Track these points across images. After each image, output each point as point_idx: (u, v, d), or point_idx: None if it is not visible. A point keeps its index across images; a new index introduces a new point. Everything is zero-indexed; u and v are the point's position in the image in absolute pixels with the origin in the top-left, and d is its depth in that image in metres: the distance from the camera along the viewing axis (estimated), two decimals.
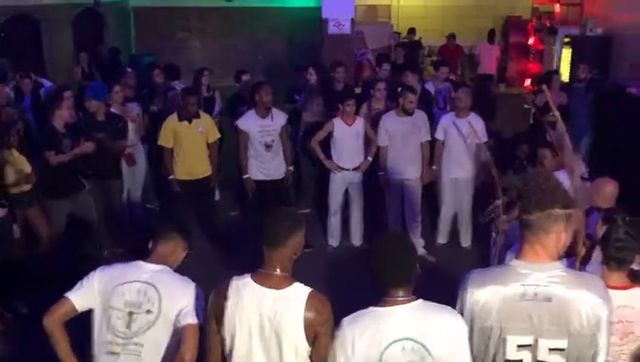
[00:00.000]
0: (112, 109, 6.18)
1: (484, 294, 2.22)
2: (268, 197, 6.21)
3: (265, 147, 6.02)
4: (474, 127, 5.77)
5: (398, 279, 2.29)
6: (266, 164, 6.10)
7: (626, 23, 9.25)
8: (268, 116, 5.96)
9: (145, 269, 2.85)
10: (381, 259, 2.33)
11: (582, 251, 3.08)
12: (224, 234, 6.44)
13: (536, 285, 2.16)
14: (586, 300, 2.15)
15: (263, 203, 6.22)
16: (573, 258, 2.97)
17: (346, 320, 2.34)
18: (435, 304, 2.31)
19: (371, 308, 2.31)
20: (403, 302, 2.27)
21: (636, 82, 7.77)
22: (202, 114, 6.05)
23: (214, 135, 6.11)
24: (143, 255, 2.95)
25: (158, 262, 2.90)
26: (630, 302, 2.71)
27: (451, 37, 12.07)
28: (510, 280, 2.20)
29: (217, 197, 7.03)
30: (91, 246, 5.75)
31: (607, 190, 4.21)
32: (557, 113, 3.86)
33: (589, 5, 10.58)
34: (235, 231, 6.67)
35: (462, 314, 2.29)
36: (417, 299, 2.30)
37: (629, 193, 4.34)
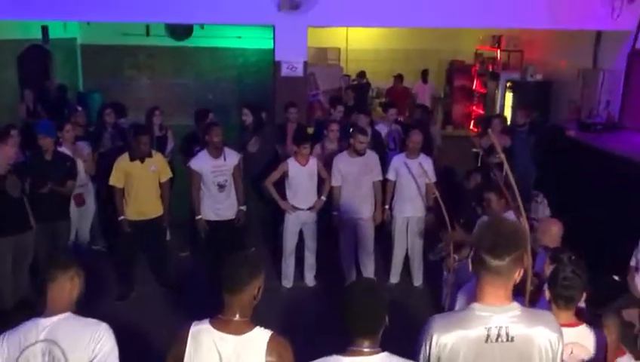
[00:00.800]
0: (63, 148, 6.06)
1: (450, 339, 2.26)
2: (220, 238, 6.16)
3: (218, 187, 5.99)
4: (424, 167, 5.94)
5: (365, 330, 2.28)
6: (219, 204, 6.06)
7: (563, 69, 9.77)
8: (220, 156, 5.96)
9: (43, 325, 2.60)
10: (351, 307, 2.30)
11: (530, 290, 3.17)
12: (175, 275, 6.32)
13: (499, 326, 2.23)
14: (545, 336, 2.25)
15: (215, 244, 6.15)
16: (522, 297, 3.06)
17: None
18: (399, 358, 2.31)
19: (335, 357, 2.29)
20: (368, 354, 2.26)
21: (574, 124, 8.18)
22: (154, 153, 5.99)
23: (167, 174, 6.04)
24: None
25: (54, 311, 2.64)
26: (579, 339, 2.80)
27: (398, 78, 12.42)
28: (474, 323, 2.25)
29: (168, 237, 6.91)
30: (29, 290, 5.49)
31: (553, 230, 4.38)
32: (502, 155, 4.03)
33: (529, 52, 11.13)
34: (186, 272, 6.56)
35: (428, 360, 2.32)
36: (382, 351, 2.29)
37: (572, 232, 4.51)
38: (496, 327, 2.23)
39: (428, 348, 2.31)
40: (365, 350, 2.26)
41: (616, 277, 4.44)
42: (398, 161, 6.20)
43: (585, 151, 7.22)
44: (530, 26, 8.76)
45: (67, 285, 2.70)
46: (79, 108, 7.29)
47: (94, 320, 2.66)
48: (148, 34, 14.17)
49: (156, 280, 6.27)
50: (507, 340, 2.23)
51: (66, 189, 5.84)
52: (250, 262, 2.57)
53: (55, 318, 2.62)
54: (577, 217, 5.65)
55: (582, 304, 3.51)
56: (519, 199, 3.61)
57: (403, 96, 11.92)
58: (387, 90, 12.63)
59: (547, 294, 3.01)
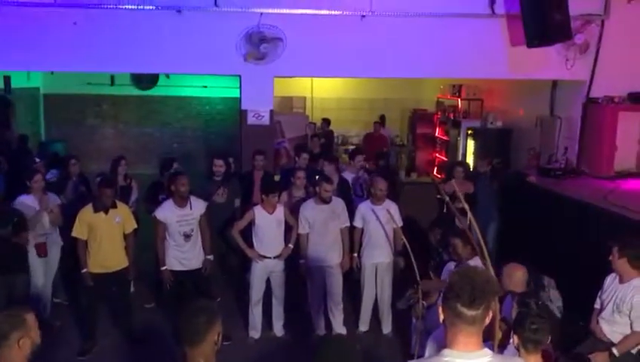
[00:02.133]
0: (32, 198, 5.95)
1: None
2: (186, 289, 6.06)
3: (184, 237, 5.92)
4: (391, 212, 6.00)
5: None
6: (185, 254, 5.99)
7: (522, 117, 10.09)
8: (186, 205, 5.91)
9: None
10: None
11: (499, 335, 3.19)
12: (140, 327, 6.16)
13: None
14: None
15: (181, 294, 6.04)
16: (490, 342, 3.08)
17: None
18: None
19: None
20: None
21: (534, 170, 8.40)
22: (119, 204, 5.91)
23: (131, 225, 5.95)
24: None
25: None
26: None
27: (378, 124, 12.59)
28: None
29: (132, 288, 6.75)
30: None
31: (518, 275, 4.44)
32: (464, 203, 4.11)
33: (489, 101, 11.47)
34: (151, 324, 6.40)
35: None
36: None
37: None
38: None
39: None
40: None
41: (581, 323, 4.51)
42: (364, 207, 6.25)
43: (545, 196, 7.41)
44: (489, 76, 9.07)
45: (22, 341, 2.58)
46: (37, 160, 7.15)
47: None
48: (112, 83, 14.18)
49: (120, 332, 6.09)
50: None
51: (20, 239, 5.70)
52: (205, 311, 2.55)
53: None
54: (541, 260, 5.75)
55: (547, 346, 3.56)
56: (483, 245, 3.67)
57: (380, 142, 12.08)
58: (365, 136, 12.79)
59: (515, 339, 3.04)
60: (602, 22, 8.23)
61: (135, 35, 7.68)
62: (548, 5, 7.15)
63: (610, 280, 4.59)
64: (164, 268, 5.94)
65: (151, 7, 7.60)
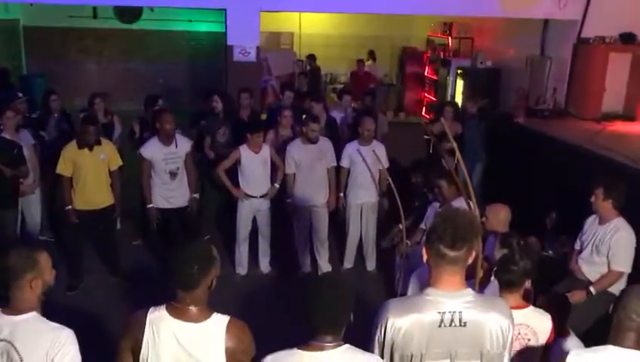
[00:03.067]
0: (6, 136, 5.84)
1: (405, 323, 2.31)
2: (173, 226, 6.08)
3: (170, 175, 5.90)
4: (377, 153, 5.99)
5: (328, 325, 2.28)
6: (171, 192, 5.98)
7: (512, 57, 9.98)
8: (172, 143, 5.85)
9: (5, 322, 2.45)
10: (315, 303, 2.28)
11: (480, 274, 3.25)
12: (127, 265, 6.22)
13: (452, 311, 2.29)
14: (497, 321, 2.33)
15: (167, 232, 6.07)
16: (472, 280, 3.14)
17: (267, 360, 2.32)
18: (360, 351, 2.32)
19: (295, 351, 2.28)
20: (330, 348, 2.26)
21: (522, 111, 8.37)
22: (104, 141, 5.83)
23: (116, 163, 5.89)
24: None
25: (19, 310, 2.47)
26: (526, 320, 2.89)
27: (360, 62, 12.45)
28: (427, 308, 2.30)
29: (119, 226, 6.77)
30: None
31: (502, 214, 4.49)
32: (454, 143, 4.10)
33: (479, 40, 11.30)
34: (138, 261, 6.45)
35: (382, 343, 2.36)
36: (344, 344, 2.30)
37: (519, 216, 4.63)
38: (449, 312, 2.29)
39: (383, 331, 2.35)
40: (327, 344, 2.26)
41: (550, 252, 4.59)
42: (351, 148, 6.23)
43: (532, 137, 7.42)
44: (479, 13, 8.89)
45: (35, 281, 2.50)
46: (20, 95, 6.97)
47: (58, 326, 2.49)
48: (95, 16, 13.74)
49: (107, 269, 6.14)
50: (460, 325, 2.29)
51: (20, 172, 5.65)
52: (201, 256, 2.49)
53: (18, 318, 2.46)
54: (525, 201, 5.82)
55: (528, 285, 3.64)
56: (470, 185, 3.69)
57: (366, 79, 11.94)
58: (350, 73, 12.64)
59: (495, 278, 3.09)
60: None
61: None
62: None
63: (591, 221, 4.66)
64: (150, 205, 5.94)
65: None
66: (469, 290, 2.35)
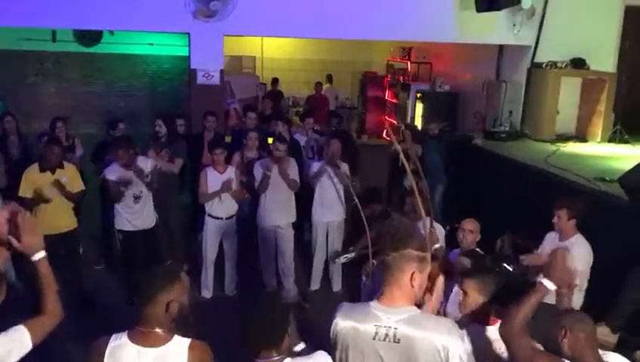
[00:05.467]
0: None
1: (345, 326, 2.41)
2: (137, 250, 6.01)
3: (133, 198, 5.86)
4: (342, 169, 6.12)
5: (268, 343, 2.36)
6: (135, 215, 5.92)
7: (469, 81, 10.29)
8: (132, 167, 5.81)
9: None
10: (251, 325, 2.38)
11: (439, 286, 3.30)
12: (90, 291, 6.10)
13: (388, 327, 2.32)
14: (434, 341, 2.29)
15: (131, 255, 5.99)
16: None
17: None
18: (303, 357, 2.40)
19: None
20: None
21: (479, 133, 8.63)
22: (66, 164, 5.77)
23: (78, 186, 5.83)
24: None
25: None
26: (498, 335, 2.94)
27: (319, 85, 12.64)
28: (367, 319, 2.36)
29: (81, 250, 6.66)
30: None
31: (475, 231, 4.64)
32: (418, 164, 4.22)
33: (437, 64, 11.63)
34: (101, 286, 6.35)
35: (333, 344, 2.46)
36: (285, 357, 2.36)
37: (481, 234, 4.76)
38: (385, 327, 2.32)
39: (332, 331, 2.46)
40: (274, 359, 2.34)
41: (509, 267, 4.71)
42: (317, 166, 6.31)
43: (489, 158, 7.64)
44: (437, 39, 9.19)
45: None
46: None
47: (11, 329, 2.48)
48: (54, 39, 13.59)
49: (70, 294, 6.01)
50: (394, 341, 2.31)
51: None
52: (164, 272, 2.56)
53: None
54: (484, 220, 5.97)
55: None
56: (430, 205, 3.80)
57: (322, 103, 12.12)
58: (307, 97, 12.81)
59: (466, 298, 3.14)
60: None
61: None
62: None
63: (552, 238, 4.80)
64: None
65: None
66: (412, 308, 2.36)
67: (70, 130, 7.28)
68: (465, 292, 3.08)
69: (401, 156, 3.32)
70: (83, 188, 5.88)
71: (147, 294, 2.44)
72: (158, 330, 2.44)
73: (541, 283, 2.78)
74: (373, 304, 2.38)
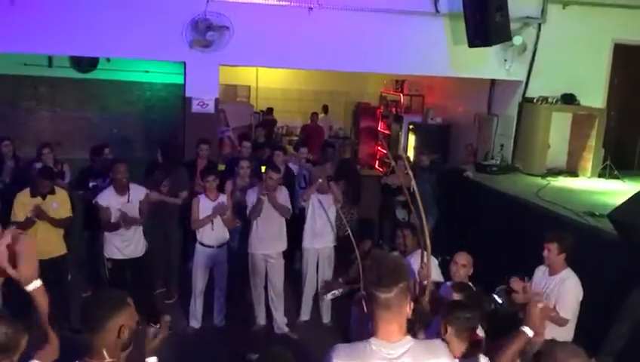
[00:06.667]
0: None
1: None
2: (126, 278, 5.97)
3: (123, 220, 5.83)
4: (334, 191, 6.19)
5: None
6: (125, 242, 5.89)
7: (461, 114, 10.40)
8: (126, 193, 5.82)
9: None
10: None
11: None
12: (77, 318, 6.01)
13: (392, 360, 2.31)
14: None
15: (120, 283, 5.94)
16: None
17: None
18: None
19: None
20: None
21: (471, 166, 8.69)
22: (57, 189, 5.77)
23: (67, 212, 5.81)
24: None
25: None
26: None
27: (315, 115, 12.72)
28: (368, 356, 2.33)
29: (69, 277, 6.60)
30: None
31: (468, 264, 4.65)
32: (408, 196, 4.25)
33: (430, 97, 11.76)
34: None
35: None
36: None
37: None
38: (388, 361, 2.32)
39: None
40: None
41: (498, 299, 4.71)
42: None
43: (481, 191, 7.69)
44: (430, 73, 9.31)
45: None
46: None
47: None
48: (50, 65, 13.66)
49: (57, 322, 5.93)
50: None
51: None
52: (110, 298, 2.47)
53: None
54: (475, 253, 5.98)
55: (481, 333, 3.73)
56: (426, 236, 3.81)
57: (317, 133, 12.18)
58: (302, 127, 12.88)
59: (446, 329, 3.16)
60: (539, 25, 8.59)
61: (75, 16, 7.46)
62: (489, 7, 7.40)
63: (541, 273, 4.81)
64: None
65: None
66: (408, 338, 2.37)
67: (63, 155, 7.27)
68: (446, 331, 3.13)
69: (405, 186, 3.35)
70: (71, 214, 5.86)
71: (89, 322, 2.37)
72: (108, 360, 2.36)
73: (522, 331, 2.94)
74: (374, 341, 2.35)
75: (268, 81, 14.19)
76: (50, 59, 13.55)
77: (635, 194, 5.31)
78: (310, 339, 6.10)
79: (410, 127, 11.16)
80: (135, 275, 5.99)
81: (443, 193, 8.04)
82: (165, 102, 14.41)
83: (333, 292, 5.88)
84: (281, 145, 8.69)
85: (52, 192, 5.65)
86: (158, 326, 2.78)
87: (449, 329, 3.10)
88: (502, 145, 8.98)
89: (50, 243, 5.67)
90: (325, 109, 13.82)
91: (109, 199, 5.76)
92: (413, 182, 3.59)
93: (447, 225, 7.95)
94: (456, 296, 3.25)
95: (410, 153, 10.68)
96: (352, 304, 5.73)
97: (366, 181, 9.43)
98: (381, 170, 11.73)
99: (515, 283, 4.49)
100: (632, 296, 4.68)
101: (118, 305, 2.40)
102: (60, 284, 5.92)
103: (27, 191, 5.56)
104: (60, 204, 5.69)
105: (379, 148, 13.09)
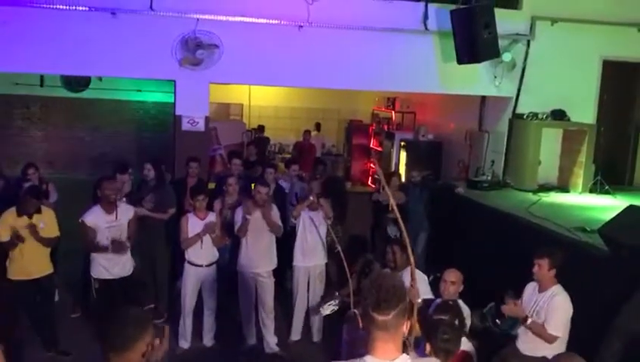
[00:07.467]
0: None
1: None
2: (115, 297, 5.89)
3: (112, 244, 5.77)
4: (324, 206, 6.15)
5: None
6: (113, 261, 5.81)
7: (452, 131, 10.43)
8: (114, 211, 5.75)
9: None
10: None
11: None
12: (65, 340, 5.93)
13: None
14: None
15: (109, 303, 5.86)
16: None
17: None
18: None
19: None
20: None
21: (462, 182, 8.69)
22: (44, 209, 5.71)
23: (54, 232, 5.74)
24: None
25: None
26: None
27: (307, 132, 12.75)
28: None
29: (57, 297, 6.53)
30: None
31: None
32: (397, 213, 4.21)
33: (421, 114, 11.81)
34: (77, 335, 6.18)
35: None
36: None
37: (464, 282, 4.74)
38: None
39: None
40: None
41: (497, 321, 4.68)
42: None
43: (472, 207, 7.67)
44: (421, 90, 9.37)
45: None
46: None
47: None
48: (42, 84, 13.68)
49: (43, 344, 5.86)
50: None
51: None
52: (136, 319, 2.47)
53: None
54: (466, 269, 5.95)
55: (470, 349, 3.69)
56: (411, 253, 3.78)
57: (310, 150, 12.20)
58: (295, 144, 12.90)
59: (427, 346, 3.13)
60: (528, 42, 8.65)
61: (66, 36, 7.49)
62: (478, 25, 7.45)
63: (531, 289, 4.78)
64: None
65: (84, 8, 7.42)
66: (404, 356, 2.35)
67: (55, 174, 7.22)
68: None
69: (392, 203, 3.32)
70: (58, 233, 5.80)
71: (121, 342, 2.36)
72: None
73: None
74: (369, 358, 2.31)
75: (260, 98, 14.25)
76: (41, 78, 13.58)
77: (626, 209, 5.32)
78: (301, 359, 6.03)
79: (402, 143, 11.19)
80: (123, 295, 5.91)
81: (435, 209, 8.02)
82: (157, 121, 14.44)
83: (330, 303, 5.79)
84: (273, 163, 8.67)
85: (38, 211, 5.59)
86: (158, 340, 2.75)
87: (428, 347, 3.08)
88: (493, 162, 8.99)
89: (36, 263, 5.60)
90: (318, 127, 13.87)
91: (96, 218, 5.69)
92: (392, 201, 3.54)
93: (439, 241, 7.92)
94: (439, 317, 3.21)
95: (402, 170, 10.69)
96: (342, 322, 5.67)
97: (358, 198, 9.44)
98: (373, 186, 11.73)
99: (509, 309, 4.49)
100: (621, 313, 4.64)
101: (146, 324, 2.43)
102: (47, 305, 5.86)
103: (13, 210, 5.50)
104: (46, 223, 5.63)
105: (371, 165, 13.12)
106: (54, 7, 7.33)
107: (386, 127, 12.53)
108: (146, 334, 2.43)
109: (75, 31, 7.49)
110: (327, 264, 6.50)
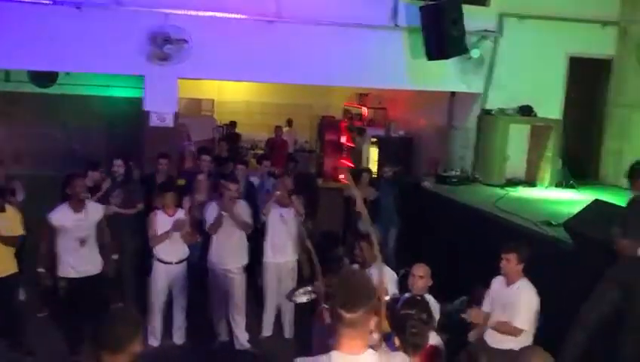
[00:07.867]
0: None
1: None
2: (82, 296, 5.80)
3: (79, 242, 5.67)
4: (295, 203, 6.16)
5: None
6: (80, 260, 5.71)
7: (423, 126, 10.51)
8: (82, 210, 5.66)
9: None
10: None
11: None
12: (31, 341, 5.82)
13: None
14: None
15: (76, 302, 5.77)
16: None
17: None
18: None
19: None
20: None
21: (432, 178, 8.77)
22: (9, 208, 5.59)
23: (18, 230, 5.62)
24: None
25: None
26: None
27: (279, 128, 12.71)
28: None
29: (22, 296, 6.41)
30: None
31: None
32: (364, 211, 4.23)
33: (392, 110, 11.86)
34: (43, 334, 6.08)
35: None
36: None
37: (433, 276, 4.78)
38: None
39: None
40: None
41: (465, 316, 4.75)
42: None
43: (441, 203, 7.75)
44: (390, 86, 9.40)
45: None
46: None
47: None
48: (8, 79, 13.36)
49: (7, 343, 5.75)
50: None
51: None
52: (131, 320, 2.52)
53: None
54: (435, 264, 6.01)
55: (438, 342, 3.73)
56: (376, 248, 3.80)
57: (282, 146, 12.17)
58: (267, 140, 12.86)
59: (396, 341, 3.15)
60: (496, 38, 8.75)
61: (31, 31, 7.34)
62: (445, 21, 7.51)
63: (498, 284, 4.84)
64: (40, 269, 5.73)
65: (48, 2, 7.28)
66: (370, 351, 2.37)
67: (23, 171, 7.06)
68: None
69: (358, 200, 3.33)
70: (22, 232, 5.68)
71: (117, 343, 2.38)
72: None
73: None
74: (334, 354, 2.32)
75: (231, 94, 14.16)
76: (7, 73, 13.27)
77: (590, 203, 5.43)
78: (272, 355, 6.03)
79: (373, 139, 11.23)
80: (92, 294, 5.82)
81: (404, 205, 8.09)
82: (126, 117, 14.17)
83: (305, 288, 5.76)
84: (245, 160, 8.63)
85: (2, 210, 5.47)
86: None
87: (396, 342, 3.10)
88: (461, 157, 9.08)
89: (0, 262, 5.48)
90: (290, 123, 13.84)
91: (62, 216, 5.59)
92: (359, 201, 3.57)
93: (409, 236, 7.99)
94: (407, 311, 3.23)
95: (373, 166, 10.73)
96: (313, 318, 5.67)
97: (330, 193, 9.45)
98: (345, 182, 11.74)
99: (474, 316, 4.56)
100: (584, 305, 4.75)
101: (139, 327, 2.49)
102: (10, 304, 5.74)
103: None
104: (10, 221, 5.51)
105: (342, 160, 13.13)
106: (18, 0, 7.17)
107: (357, 123, 12.55)
108: (139, 336, 2.47)
109: (42, 26, 7.34)
110: (298, 260, 6.51)
